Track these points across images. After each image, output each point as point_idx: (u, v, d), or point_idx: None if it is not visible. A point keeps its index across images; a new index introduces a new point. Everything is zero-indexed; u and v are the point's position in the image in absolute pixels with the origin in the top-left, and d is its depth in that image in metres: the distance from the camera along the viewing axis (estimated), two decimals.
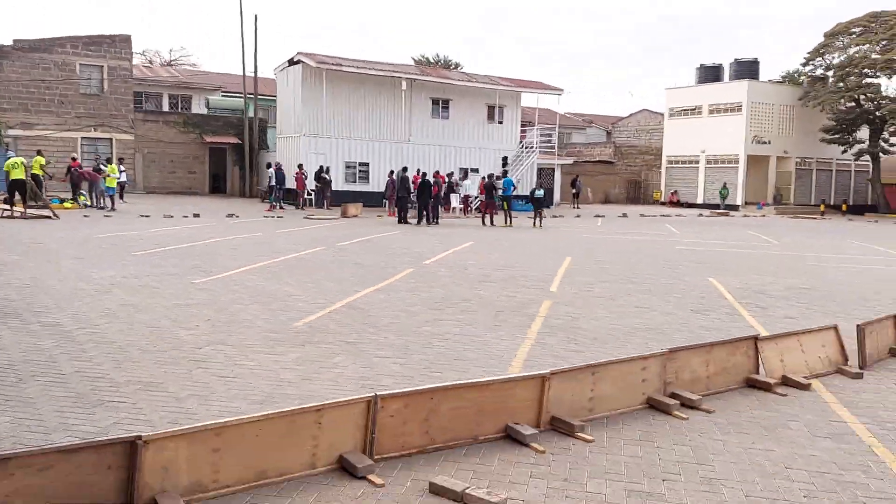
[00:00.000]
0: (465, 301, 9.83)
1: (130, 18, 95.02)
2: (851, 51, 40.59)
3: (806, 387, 6.26)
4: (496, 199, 26.61)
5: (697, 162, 44.24)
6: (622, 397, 5.53)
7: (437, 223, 24.53)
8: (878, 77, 40.25)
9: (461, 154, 35.57)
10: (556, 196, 41.70)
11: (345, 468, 4.25)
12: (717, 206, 40.88)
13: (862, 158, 42.52)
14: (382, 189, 29.98)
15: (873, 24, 40.28)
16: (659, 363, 5.75)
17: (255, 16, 34.85)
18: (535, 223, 25.02)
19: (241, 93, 36.82)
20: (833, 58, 41.59)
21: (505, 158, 35.99)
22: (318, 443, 4.23)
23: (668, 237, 22.21)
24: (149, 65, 51.22)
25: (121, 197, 26.77)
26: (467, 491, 3.95)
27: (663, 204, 45.68)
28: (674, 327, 8.62)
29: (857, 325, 7.08)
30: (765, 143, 42.28)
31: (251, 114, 36.73)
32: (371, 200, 30.84)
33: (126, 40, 33.01)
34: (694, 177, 44.62)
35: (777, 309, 10.07)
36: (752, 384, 6.28)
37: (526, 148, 37.14)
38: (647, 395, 5.66)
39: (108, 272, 11.11)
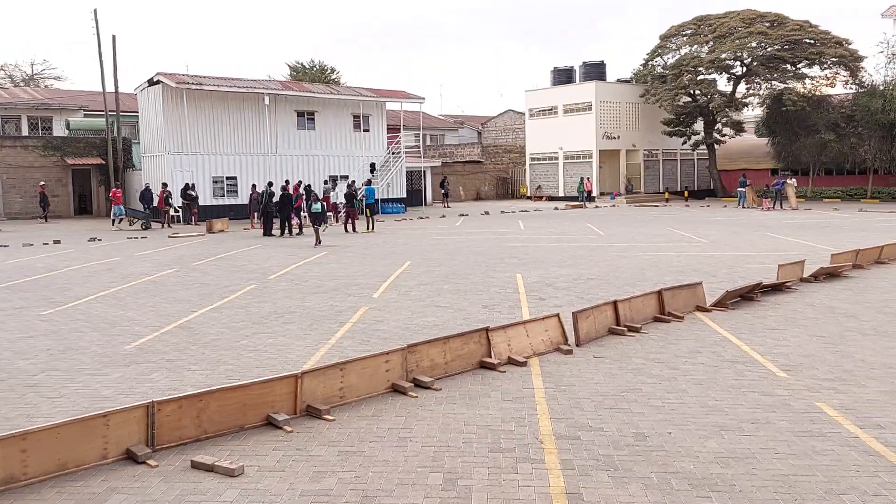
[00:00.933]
0: (288, 313, 11.39)
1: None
2: (683, 51, 44.62)
3: (523, 364, 8.22)
4: (356, 206, 28.13)
5: (557, 158, 47.39)
6: (369, 385, 7.26)
7: (300, 234, 25.78)
8: (709, 74, 44.43)
9: (329, 163, 36.96)
10: (428, 196, 43.81)
11: (130, 457, 5.75)
12: (575, 199, 44.00)
13: (700, 148, 46.76)
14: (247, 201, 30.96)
15: (701, 27, 44.47)
16: (400, 356, 7.53)
17: (113, 36, 34.82)
18: (315, 240, 21.85)
19: (104, 111, 36.72)
20: (668, 58, 45.56)
21: (373, 165, 37.69)
22: (108, 440, 5.71)
23: (512, 233, 24.46)
24: (6, 86, 49.61)
25: None
26: (216, 463, 5.56)
27: (529, 198, 48.64)
28: (457, 323, 10.48)
29: (573, 312, 9.15)
30: (614, 138, 45.86)
31: (115, 132, 36.69)
32: (240, 213, 31.83)
33: None
34: (555, 172, 47.75)
35: (553, 299, 12.17)
36: (484, 365, 8.17)
37: (393, 153, 38.91)
38: (391, 382, 7.42)
39: None
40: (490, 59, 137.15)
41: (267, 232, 25.56)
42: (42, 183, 34.51)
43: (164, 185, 30.29)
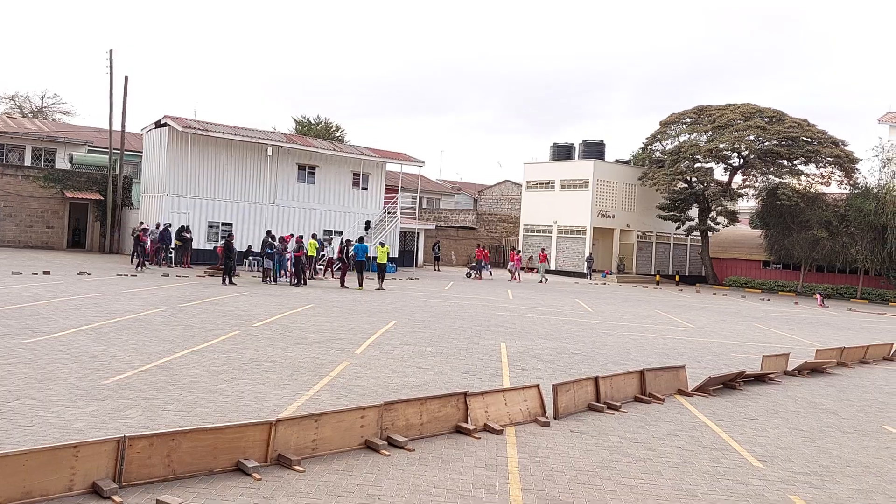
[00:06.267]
0: (269, 362, 11.34)
1: (1, 63, 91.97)
2: (682, 138, 45.65)
3: (499, 432, 8.19)
4: (349, 263, 28.29)
5: (550, 231, 47.85)
6: (342, 440, 7.21)
7: (304, 284, 26.16)
8: (706, 162, 45.29)
9: (326, 217, 37.26)
10: (420, 258, 44.03)
11: (96, 491, 5.68)
12: (573, 273, 44.26)
13: (693, 234, 47.33)
14: (244, 248, 31.05)
15: (701, 116, 45.63)
16: (376, 412, 7.50)
17: (126, 76, 35.59)
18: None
19: (108, 149, 37.16)
20: (667, 143, 46.58)
21: (368, 222, 38.01)
22: (76, 471, 5.64)
23: (500, 301, 24.49)
24: (14, 116, 50.21)
25: None
26: None
27: (521, 269, 48.81)
28: (437, 385, 10.45)
29: (553, 385, 9.16)
30: (609, 216, 46.42)
31: (117, 170, 37.04)
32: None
33: None
34: (548, 245, 48.11)
35: (535, 370, 12.16)
36: (460, 430, 8.14)
37: (389, 213, 39.29)
38: (365, 438, 7.38)
39: None
40: (488, 130, 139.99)
41: (265, 279, 25.94)
42: (142, 223, 30.74)
43: (158, 225, 30.42)
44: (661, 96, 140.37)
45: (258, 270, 29.59)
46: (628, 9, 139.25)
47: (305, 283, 26.39)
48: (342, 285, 26.52)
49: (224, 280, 24.33)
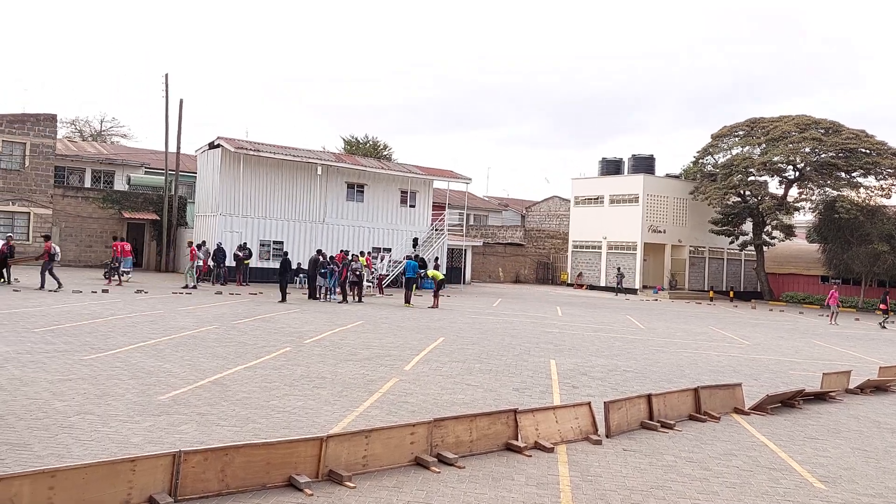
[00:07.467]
0: (320, 378, 11.43)
1: (64, 89, 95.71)
2: (735, 151, 44.81)
3: (550, 450, 8.08)
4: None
5: (600, 247, 47.37)
6: (392, 456, 7.21)
7: (360, 301, 26.47)
8: (760, 175, 44.37)
9: (375, 235, 37.62)
10: (468, 274, 44.06)
11: None
12: (616, 289, 43.66)
13: (748, 249, 46.29)
14: (294, 266, 31.50)
15: (754, 129, 44.75)
16: (426, 429, 7.48)
17: (181, 100, 36.65)
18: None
19: (164, 170, 38.25)
20: (719, 157, 45.78)
21: (415, 240, 38.22)
22: (133, 485, 5.76)
23: (549, 318, 24.29)
24: (75, 140, 52.09)
25: None
26: None
27: (570, 285, 48.43)
28: (487, 402, 10.38)
29: (605, 402, 9.01)
30: (660, 231, 45.75)
31: (172, 190, 38.06)
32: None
33: (51, 119, 34.21)
34: (597, 261, 47.64)
35: (586, 388, 11.99)
36: (510, 448, 8.06)
37: (436, 230, 39.45)
38: (415, 455, 7.36)
39: (3, 348, 12.30)
40: (533, 146, 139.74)
41: (312, 296, 26.33)
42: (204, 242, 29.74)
43: (218, 244, 31.14)
44: (706, 109, 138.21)
45: (308, 288, 29.94)
46: (670, 19, 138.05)
47: (360, 300, 26.61)
48: (410, 302, 26.81)
49: (283, 298, 24.75)
